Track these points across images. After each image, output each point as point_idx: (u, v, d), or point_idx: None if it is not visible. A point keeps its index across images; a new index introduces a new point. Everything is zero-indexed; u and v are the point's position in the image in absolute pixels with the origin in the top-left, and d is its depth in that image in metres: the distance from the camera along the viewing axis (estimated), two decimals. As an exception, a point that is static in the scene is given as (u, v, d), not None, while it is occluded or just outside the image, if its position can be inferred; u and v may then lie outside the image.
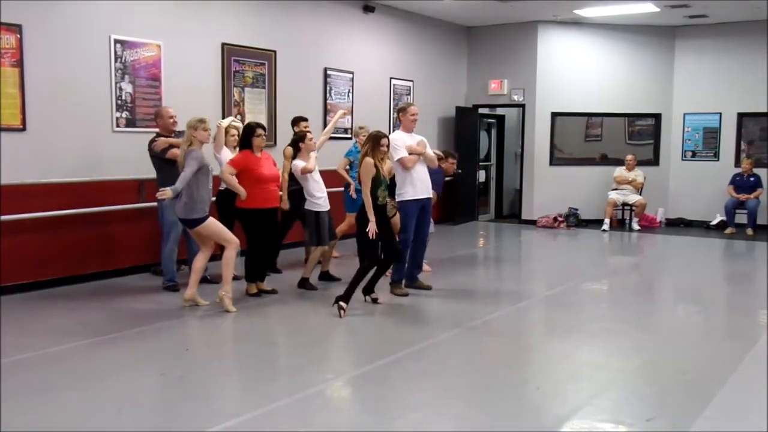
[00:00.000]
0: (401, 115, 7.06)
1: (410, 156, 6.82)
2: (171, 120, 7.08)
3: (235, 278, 6.58)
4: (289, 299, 6.80)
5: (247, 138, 6.63)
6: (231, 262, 6.26)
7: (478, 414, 4.00)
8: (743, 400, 4.31)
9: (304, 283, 7.12)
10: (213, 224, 6.32)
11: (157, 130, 7.29)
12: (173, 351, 5.23)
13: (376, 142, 6.37)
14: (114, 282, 7.37)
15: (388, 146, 6.50)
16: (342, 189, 8.70)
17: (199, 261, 6.40)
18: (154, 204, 7.42)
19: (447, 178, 9.46)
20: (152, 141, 7.03)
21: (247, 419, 3.88)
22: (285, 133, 8.62)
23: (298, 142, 7.08)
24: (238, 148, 6.85)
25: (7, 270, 6.64)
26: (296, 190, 7.32)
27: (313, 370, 4.75)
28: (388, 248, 6.47)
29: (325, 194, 7.11)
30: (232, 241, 6.32)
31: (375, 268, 6.48)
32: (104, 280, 7.38)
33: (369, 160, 6.31)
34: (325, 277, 7.49)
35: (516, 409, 4.13)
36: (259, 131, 6.62)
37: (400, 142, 6.86)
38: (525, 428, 3.83)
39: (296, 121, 8.09)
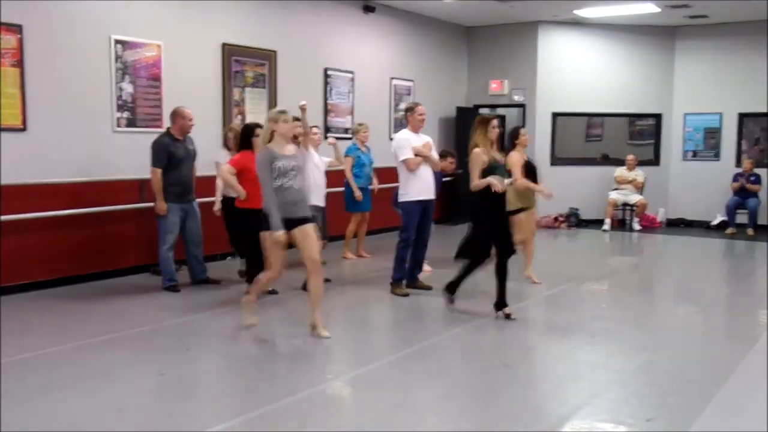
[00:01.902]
0: (409, 115, 7.03)
1: (415, 158, 6.81)
2: (190, 122, 7.02)
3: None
4: (290, 299, 6.79)
5: (246, 138, 6.62)
6: (316, 290, 5.46)
7: (478, 414, 4.00)
8: (743, 400, 4.30)
9: (306, 285, 7.07)
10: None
11: (160, 130, 7.30)
12: (173, 351, 5.23)
13: (485, 126, 5.97)
14: (114, 282, 7.37)
15: (497, 126, 6.08)
16: (342, 189, 8.70)
17: (262, 276, 5.68)
18: (154, 204, 7.42)
19: (446, 178, 9.46)
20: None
21: (247, 419, 3.88)
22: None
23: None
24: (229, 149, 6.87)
25: (8, 270, 6.64)
26: None
27: (313, 370, 4.76)
28: (504, 243, 6.07)
29: (320, 190, 7.08)
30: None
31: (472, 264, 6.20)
32: (104, 280, 7.38)
33: (477, 151, 5.91)
34: None
35: (516, 409, 4.13)
36: (258, 131, 6.61)
37: (406, 142, 6.84)
38: (525, 428, 3.83)
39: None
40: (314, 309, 5.44)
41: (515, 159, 7.20)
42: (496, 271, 6.11)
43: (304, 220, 5.32)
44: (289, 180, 5.26)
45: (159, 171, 6.81)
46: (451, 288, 6.31)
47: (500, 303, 6.14)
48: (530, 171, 7.34)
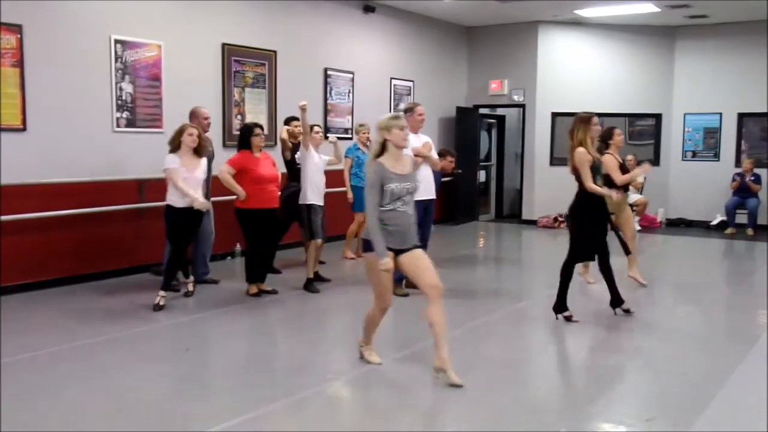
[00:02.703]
0: (408, 115, 7.00)
1: (415, 158, 6.80)
2: (206, 121, 7.04)
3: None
4: (289, 299, 6.79)
5: (245, 138, 6.64)
6: (440, 321, 4.39)
7: (478, 414, 4.00)
8: (743, 400, 4.30)
9: (308, 285, 7.08)
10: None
11: (160, 130, 7.30)
12: (173, 351, 5.23)
13: (586, 124, 5.77)
14: (114, 282, 7.37)
15: (598, 123, 5.91)
16: (340, 189, 8.70)
17: (369, 312, 4.81)
18: (154, 204, 7.43)
19: (446, 178, 9.45)
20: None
21: (247, 419, 3.88)
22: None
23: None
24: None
25: (8, 270, 6.64)
26: (294, 192, 7.32)
27: (313, 370, 4.75)
28: (605, 245, 5.92)
29: (320, 189, 7.10)
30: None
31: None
32: (104, 280, 7.38)
33: (581, 150, 5.72)
34: (315, 277, 7.30)
35: (516, 409, 4.13)
36: (257, 131, 6.63)
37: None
38: (525, 428, 3.83)
39: (288, 121, 8.11)
40: (440, 346, 4.34)
41: (610, 161, 6.98)
42: (602, 272, 6.05)
43: (413, 247, 4.50)
44: (404, 205, 4.42)
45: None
46: (560, 307, 6.05)
47: (616, 300, 6.10)
48: (623, 172, 7.09)
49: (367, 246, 4.45)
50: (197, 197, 6.26)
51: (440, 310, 4.34)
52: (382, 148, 4.45)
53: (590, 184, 5.74)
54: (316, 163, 7.05)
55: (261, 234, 6.67)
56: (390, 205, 4.36)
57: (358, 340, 4.88)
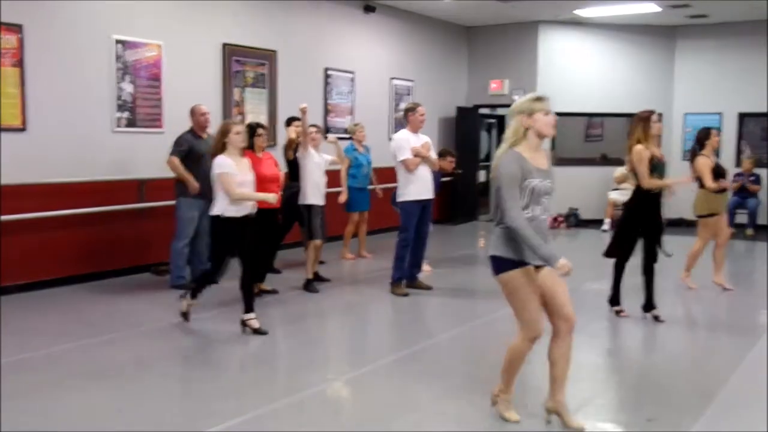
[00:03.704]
0: (409, 115, 7.02)
1: (414, 158, 6.81)
2: (203, 117, 7.06)
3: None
4: (290, 299, 6.79)
5: (248, 138, 6.57)
6: (565, 358, 3.77)
7: (478, 414, 3.99)
8: (743, 400, 4.30)
9: (308, 285, 7.07)
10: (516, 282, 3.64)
11: (161, 130, 7.30)
12: (173, 351, 5.23)
13: (645, 122, 5.74)
14: (114, 282, 7.37)
15: (658, 121, 5.86)
16: (339, 189, 8.69)
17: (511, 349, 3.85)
18: (154, 204, 7.43)
19: (445, 178, 9.44)
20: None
21: (247, 419, 3.88)
22: (285, 134, 8.62)
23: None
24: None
25: (8, 270, 6.64)
26: (296, 192, 7.31)
27: (313, 370, 4.75)
28: (653, 245, 5.88)
29: (321, 189, 7.10)
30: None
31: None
32: (104, 280, 7.38)
33: (639, 148, 5.68)
34: (314, 277, 7.29)
35: (516, 409, 4.12)
36: (260, 131, 6.61)
37: (406, 142, 6.84)
38: (525, 428, 3.83)
39: (289, 121, 8.11)
40: (559, 387, 3.76)
41: (703, 163, 6.93)
42: (644, 271, 6.02)
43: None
44: (544, 211, 3.67)
45: (175, 159, 6.80)
46: (614, 300, 6.19)
47: (648, 305, 6.07)
48: (719, 175, 7.05)
49: (502, 264, 3.60)
50: (267, 195, 5.62)
51: (568, 347, 3.70)
52: (518, 136, 3.71)
53: (648, 180, 5.69)
54: (316, 162, 7.05)
55: (261, 233, 6.63)
56: (528, 209, 3.57)
57: (494, 389, 3.94)
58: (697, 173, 7.03)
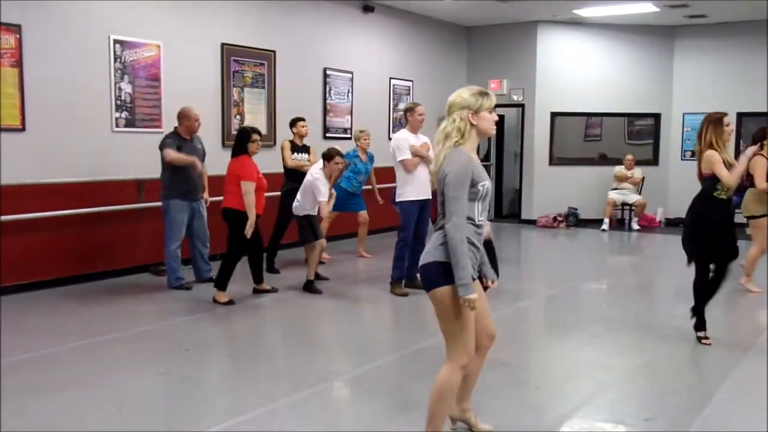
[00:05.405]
0: (409, 115, 7.01)
1: (413, 159, 6.80)
2: (196, 122, 6.98)
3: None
4: (289, 299, 6.79)
5: (242, 143, 6.46)
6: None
7: (477, 414, 4.00)
8: (743, 400, 4.31)
9: (309, 286, 7.05)
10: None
11: (160, 130, 7.27)
12: (173, 351, 5.23)
13: (717, 125, 5.26)
14: (114, 282, 7.36)
15: (729, 124, 5.37)
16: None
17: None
18: (155, 204, 7.43)
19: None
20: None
21: (247, 419, 3.88)
22: (285, 134, 8.62)
23: (328, 158, 7.01)
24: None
25: (7, 270, 6.63)
26: (292, 188, 7.32)
27: (313, 370, 4.75)
28: (726, 248, 5.40)
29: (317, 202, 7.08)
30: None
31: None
32: (104, 280, 7.38)
33: (710, 152, 5.21)
34: (315, 278, 7.26)
35: (516, 409, 4.13)
36: (255, 137, 6.46)
37: (405, 142, 6.84)
38: (525, 428, 3.83)
39: (294, 122, 8.12)
40: (467, 397, 3.76)
41: (759, 164, 6.77)
42: (709, 288, 5.56)
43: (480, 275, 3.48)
44: (485, 213, 3.34)
45: (171, 150, 6.71)
46: (699, 325, 5.58)
47: (697, 321, 5.61)
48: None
49: (433, 274, 3.23)
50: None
51: (482, 362, 3.65)
52: (463, 134, 3.30)
53: (735, 178, 5.15)
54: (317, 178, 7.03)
55: (251, 239, 6.51)
56: (482, 215, 3.27)
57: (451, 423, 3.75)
58: (750, 172, 6.85)
